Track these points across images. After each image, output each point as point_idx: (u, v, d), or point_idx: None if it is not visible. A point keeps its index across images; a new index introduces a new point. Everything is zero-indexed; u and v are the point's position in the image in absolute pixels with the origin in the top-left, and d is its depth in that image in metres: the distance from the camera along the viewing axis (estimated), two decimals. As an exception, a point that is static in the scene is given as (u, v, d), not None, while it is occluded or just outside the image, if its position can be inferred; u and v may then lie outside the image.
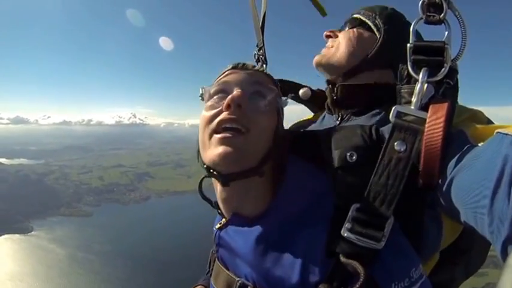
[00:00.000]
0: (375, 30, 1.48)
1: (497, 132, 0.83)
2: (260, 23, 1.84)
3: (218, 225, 1.29)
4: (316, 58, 1.58)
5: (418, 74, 1.05)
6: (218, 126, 1.08)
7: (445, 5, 1.06)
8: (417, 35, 1.12)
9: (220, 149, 1.05)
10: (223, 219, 1.27)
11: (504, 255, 0.70)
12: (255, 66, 1.27)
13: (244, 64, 1.25)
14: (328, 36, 1.62)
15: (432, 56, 1.05)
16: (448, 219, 1.06)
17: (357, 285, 0.85)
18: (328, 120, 1.57)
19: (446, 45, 1.04)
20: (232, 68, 1.24)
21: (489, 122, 1.18)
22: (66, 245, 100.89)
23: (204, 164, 1.15)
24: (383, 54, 1.41)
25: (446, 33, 1.06)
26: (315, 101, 1.75)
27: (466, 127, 1.03)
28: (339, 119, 1.48)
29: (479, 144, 0.92)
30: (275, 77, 1.60)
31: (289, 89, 1.74)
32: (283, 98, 1.27)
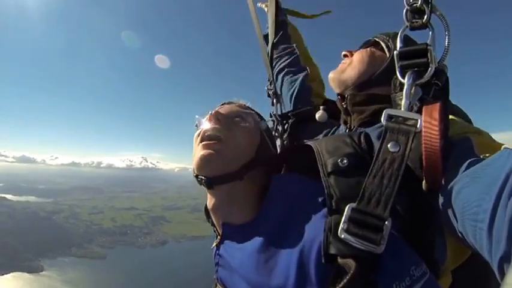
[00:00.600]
0: (386, 50, 1.54)
1: (505, 148, 0.83)
2: (269, 58, 1.94)
3: (214, 244, 1.33)
4: (330, 74, 1.67)
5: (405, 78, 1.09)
6: (203, 134, 1.23)
7: (427, 10, 1.10)
8: (407, 42, 1.16)
9: (202, 152, 1.18)
10: (218, 237, 1.32)
11: (501, 272, 0.69)
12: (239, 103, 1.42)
13: (231, 101, 1.46)
14: (345, 56, 1.69)
15: (416, 59, 1.08)
16: (451, 239, 1.03)
17: (346, 278, 0.81)
18: (340, 131, 1.69)
19: (429, 47, 1.06)
20: (222, 104, 1.45)
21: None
22: None
23: (194, 173, 1.26)
24: (391, 70, 1.41)
25: (430, 33, 1.09)
26: (332, 123, 1.82)
27: (472, 136, 1.03)
28: (347, 130, 1.58)
29: (485, 157, 0.91)
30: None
31: (305, 115, 1.87)
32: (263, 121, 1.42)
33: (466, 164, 0.90)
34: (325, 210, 0.99)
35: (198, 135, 1.26)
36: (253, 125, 1.32)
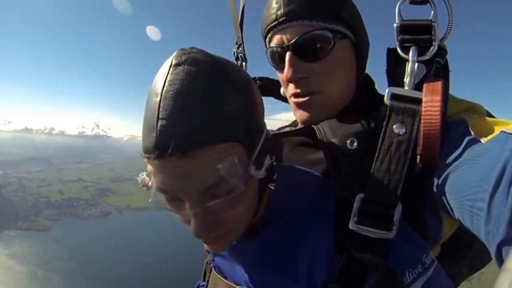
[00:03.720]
0: (349, 35, 1.19)
1: (502, 131, 0.80)
2: (239, 19, 1.64)
3: None
4: (304, 116, 1.22)
5: (406, 53, 1.04)
6: (197, 236, 0.86)
7: None
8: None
9: (208, 247, 0.97)
10: None
11: (499, 257, 0.68)
12: (182, 148, 0.71)
13: (173, 150, 0.71)
14: (300, 79, 1.19)
15: (419, 34, 1.04)
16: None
17: (377, 277, 0.80)
18: None
19: (433, 23, 1.03)
20: (155, 157, 0.73)
21: (489, 115, 1.10)
22: (26, 262, 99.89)
23: None
24: (362, 58, 1.26)
25: (432, 12, 1.05)
26: None
27: (467, 116, 0.97)
28: None
29: (482, 140, 0.86)
30: (256, 75, 1.41)
31: (271, 87, 1.56)
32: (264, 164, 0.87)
33: (462, 147, 0.87)
34: (332, 199, 0.96)
35: (184, 223, 0.88)
36: (245, 182, 0.81)
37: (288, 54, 1.10)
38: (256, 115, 0.88)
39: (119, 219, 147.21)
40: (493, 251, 0.69)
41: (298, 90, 1.15)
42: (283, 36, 1.11)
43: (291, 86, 1.18)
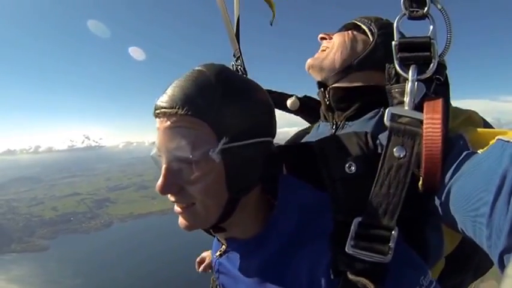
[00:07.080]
0: (369, 34, 1.45)
1: (498, 139, 0.81)
2: (235, 30, 1.68)
3: (218, 253, 1.27)
4: (309, 61, 1.52)
5: (406, 72, 1.02)
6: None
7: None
8: (401, 33, 1.09)
9: (179, 220, 1.05)
10: (223, 246, 1.25)
11: (501, 266, 0.70)
12: (174, 107, 0.94)
13: (161, 109, 0.97)
14: (323, 38, 1.55)
15: (418, 52, 1.03)
16: (447, 228, 1.02)
17: None
18: (323, 129, 1.51)
19: (432, 40, 1.02)
20: (155, 116, 1.02)
21: (485, 122, 1.16)
22: (29, 283, 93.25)
23: None
24: (374, 55, 1.38)
25: (431, 27, 1.03)
26: (304, 110, 1.73)
27: (465, 131, 0.97)
28: (334, 126, 1.46)
29: (479, 151, 0.87)
30: None
31: (275, 100, 1.51)
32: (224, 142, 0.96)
33: (460, 162, 0.88)
34: (331, 221, 0.98)
35: None
36: (209, 160, 0.94)
37: None
38: (246, 118, 0.98)
39: (121, 228, 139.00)
40: (495, 260, 0.71)
41: None
42: None
43: None
